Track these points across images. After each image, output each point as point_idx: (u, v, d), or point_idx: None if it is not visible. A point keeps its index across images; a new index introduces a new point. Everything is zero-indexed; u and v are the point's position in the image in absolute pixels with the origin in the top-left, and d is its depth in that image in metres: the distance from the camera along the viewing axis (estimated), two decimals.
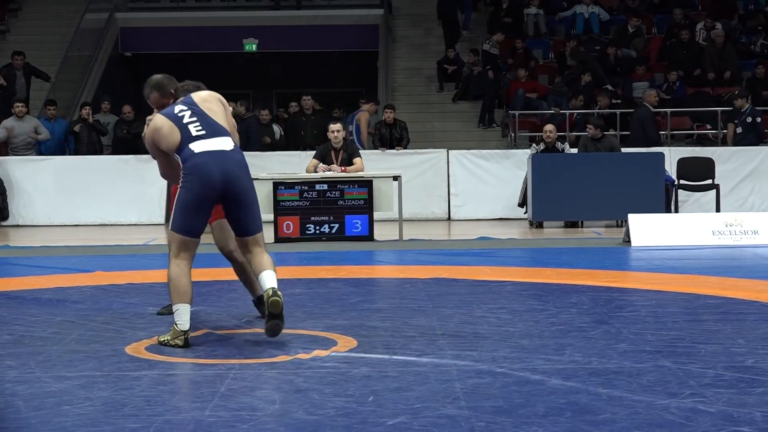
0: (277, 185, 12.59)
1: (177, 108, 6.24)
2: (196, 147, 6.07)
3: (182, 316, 6.02)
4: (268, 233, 12.59)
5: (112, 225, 15.80)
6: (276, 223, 12.61)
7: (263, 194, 12.52)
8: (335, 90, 20.68)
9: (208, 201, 6.09)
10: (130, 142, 17.35)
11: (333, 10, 24.05)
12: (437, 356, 5.66)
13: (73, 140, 17.67)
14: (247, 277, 6.99)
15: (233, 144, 6.23)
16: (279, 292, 6.00)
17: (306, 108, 18.17)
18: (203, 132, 6.14)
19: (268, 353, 5.80)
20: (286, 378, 5.17)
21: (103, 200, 15.89)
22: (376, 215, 12.86)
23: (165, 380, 5.20)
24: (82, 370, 5.45)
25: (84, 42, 22.30)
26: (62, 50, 21.61)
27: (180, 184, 6.07)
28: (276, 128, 17.85)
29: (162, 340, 6.09)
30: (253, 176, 12.79)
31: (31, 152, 17.06)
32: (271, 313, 5.97)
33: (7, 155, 17.00)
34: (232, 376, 5.23)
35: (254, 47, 24.04)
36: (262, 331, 6.12)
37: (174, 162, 6.21)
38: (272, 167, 15.16)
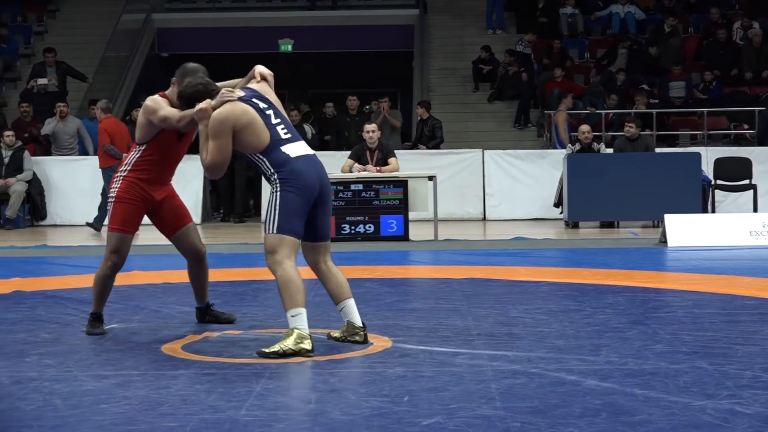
0: None
1: (259, 103, 6.06)
2: (290, 150, 5.96)
3: (303, 320, 5.76)
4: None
5: (149, 225, 15.83)
6: None
7: None
8: (371, 90, 20.69)
9: (309, 205, 5.97)
10: None
11: (368, 10, 24.06)
12: (472, 356, 5.65)
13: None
14: (202, 284, 6.93)
15: None
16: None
17: (351, 108, 18.13)
18: (289, 135, 6.04)
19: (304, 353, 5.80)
20: (321, 378, 5.18)
21: None
22: (412, 215, 12.86)
23: (201, 379, 5.22)
24: (119, 369, 5.48)
25: (121, 43, 22.42)
26: (99, 51, 21.74)
27: (279, 188, 5.90)
28: (307, 128, 17.87)
29: (280, 348, 5.71)
30: None
31: (74, 152, 17.17)
32: (357, 341, 6.08)
33: (46, 155, 17.12)
34: (268, 375, 5.24)
35: (290, 47, 24.09)
36: None
37: (228, 154, 6.00)
38: None
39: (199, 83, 6.25)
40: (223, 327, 6.73)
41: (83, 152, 17.32)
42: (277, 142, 5.96)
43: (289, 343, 5.69)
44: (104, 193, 15.13)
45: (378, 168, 12.92)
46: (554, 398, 4.68)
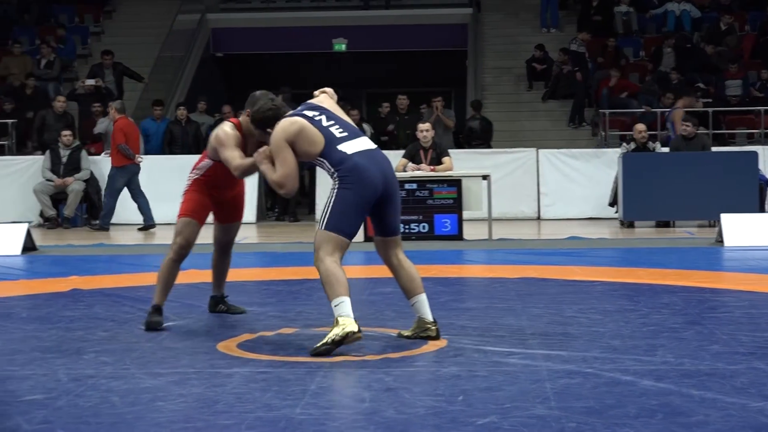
0: None
1: (308, 113, 6.15)
2: (347, 148, 6.02)
3: (346, 307, 5.79)
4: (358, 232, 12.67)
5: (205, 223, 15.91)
6: (366, 222, 12.62)
7: None
8: (424, 89, 20.68)
9: (370, 202, 6.03)
10: None
11: (422, 10, 24.04)
12: (527, 356, 5.64)
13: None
14: (223, 274, 7.26)
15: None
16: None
17: (401, 108, 18.14)
18: (346, 134, 6.10)
19: (358, 352, 5.82)
20: (375, 377, 5.19)
21: None
22: (466, 214, 12.83)
23: (256, 377, 5.25)
24: (175, 367, 5.53)
25: (176, 43, 22.58)
26: (155, 51, 21.90)
27: (337, 186, 5.96)
28: (366, 127, 17.89)
29: (328, 339, 5.74)
30: None
31: None
32: (430, 336, 6.15)
33: (101, 155, 17.27)
34: (323, 374, 5.26)
35: (344, 47, 24.14)
36: None
37: (292, 166, 6.09)
38: None
39: (270, 108, 6.35)
40: (279, 326, 6.76)
41: (148, 152, 17.44)
42: (332, 141, 6.02)
43: (337, 331, 5.74)
44: (109, 191, 15.33)
45: (432, 167, 12.92)
46: (610, 398, 4.66)
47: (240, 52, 24.74)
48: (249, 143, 6.66)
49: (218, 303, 7.33)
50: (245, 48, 24.49)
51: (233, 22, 24.27)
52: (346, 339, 5.72)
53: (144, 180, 16.17)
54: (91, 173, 16.26)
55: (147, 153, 17.38)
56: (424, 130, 13.14)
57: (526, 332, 6.39)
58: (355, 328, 5.74)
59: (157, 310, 6.82)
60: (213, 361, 5.67)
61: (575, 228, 14.45)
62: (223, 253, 7.26)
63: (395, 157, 13.82)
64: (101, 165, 16.60)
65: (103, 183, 16.43)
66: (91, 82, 19.02)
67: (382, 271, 9.66)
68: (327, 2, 24.79)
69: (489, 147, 17.72)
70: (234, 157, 6.56)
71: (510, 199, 16.23)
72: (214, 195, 6.91)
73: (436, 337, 6.15)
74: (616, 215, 15.05)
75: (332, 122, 6.12)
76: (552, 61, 21.19)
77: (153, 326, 6.71)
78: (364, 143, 6.11)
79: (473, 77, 21.71)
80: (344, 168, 5.95)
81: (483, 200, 12.82)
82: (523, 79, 21.66)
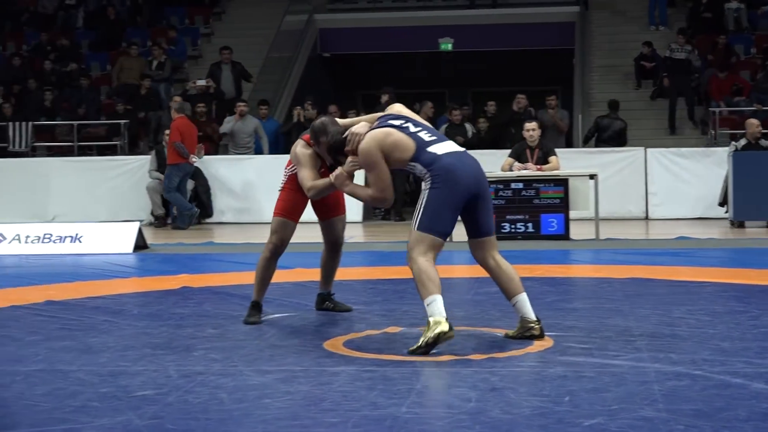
0: None
1: (394, 122, 6.20)
2: (437, 149, 6.06)
3: (438, 305, 5.80)
4: (463, 231, 12.65)
5: (313, 222, 16.04)
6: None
7: None
8: (530, 88, 20.56)
9: (462, 201, 6.05)
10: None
11: (529, 8, 23.93)
12: (634, 357, 5.58)
13: (283, 139, 18.07)
14: (332, 272, 7.36)
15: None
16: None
17: (519, 107, 18.00)
18: (434, 137, 6.16)
19: (464, 351, 5.82)
20: (481, 376, 5.19)
21: None
22: (572, 214, 12.74)
23: (362, 376, 5.28)
24: (282, 365, 5.58)
25: (284, 43, 22.78)
26: (263, 52, 22.13)
27: (430, 185, 6.00)
28: (468, 127, 17.85)
29: (422, 343, 5.76)
30: None
31: (250, 151, 17.51)
32: (534, 336, 6.17)
33: (215, 154, 17.50)
34: (428, 373, 5.28)
35: (450, 46, 24.12)
36: (459, 329, 6.15)
37: (388, 178, 6.14)
38: None
39: (338, 135, 6.40)
40: (384, 325, 6.78)
41: (258, 151, 17.64)
42: (422, 145, 6.08)
43: (429, 334, 5.76)
44: (167, 190, 15.51)
45: (538, 166, 12.85)
46: (719, 401, 4.60)
47: (346, 52, 24.87)
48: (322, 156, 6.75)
49: (324, 300, 7.40)
50: (352, 48, 24.61)
51: (340, 23, 24.41)
52: (438, 340, 5.74)
53: (254, 179, 16.36)
54: (201, 173, 16.47)
55: (256, 153, 17.57)
56: (531, 129, 13.08)
57: (634, 333, 6.33)
58: (446, 328, 5.74)
59: (256, 306, 6.99)
60: (319, 360, 5.71)
61: (684, 228, 14.25)
62: (332, 252, 7.33)
63: (503, 157, 13.79)
64: (209, 164, 16.80)
65: (212, 182, 16.65)
66: (201, 82, 19.27)
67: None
68: (433, 2, 24.78)
69: (618, 144, 17.68)
70: (307, 177, 6.67)
71: (617, 198, 16.06)
72: None
73: (541, 336, 6.15)
74: (726, 215, 14.82)
75: (419, 128, 6.19)
76: (661, 59, 20.91)
77: (251, 322, 6.86)
78: (451, 146, 6.16)
79: (580, 76, 21.53)
80: (436, 167, 5.99)
81: (590, 200, 12.71)
82: (631, 78, 21.42)
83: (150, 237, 13.26)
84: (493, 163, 14.46)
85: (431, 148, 6.06)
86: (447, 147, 6.11)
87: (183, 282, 9.07)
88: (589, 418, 4.35)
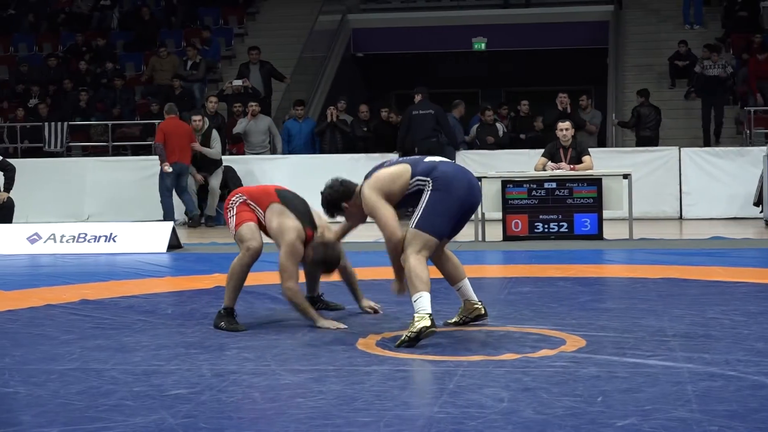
0: (506, 183, 12.58)
1: (378, 166, 6.53)
2: (433, 159, 6.44)
3: (424, 302, 6.01)
4: (496, 231, 12.68)
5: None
6: (504, 222, 12.61)
7: (492, 192, 12.54)
8: (563, 88, 20.50)
9: (459, 209, 6.31)
10: (368, 140, 17.61)
11: (562, 7, 23.88)
12: (668, 358, 5.56)
13: (318, 140, 18.11)
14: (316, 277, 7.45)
15: None
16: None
17: (561, 105, 17.87)
18: (424, 158, 6.52)
19: (496, 351, 5.82)
20: (514, 376, 5.18)
21: None
22: (606, 214, 12.69)
23: (395, 375, 5.29)
24: (315, 364, 5.59)
25: (317, 43, 22.82)
26: (297, 52, 22.18)
27: (431, 188, 6.25)
28: (499, 126, 17.82)
29: (405, 338, 5.98)
30: (481, 175, 12.89)
31: (266, 151, 17.55)
32: (480, 315, 6.67)
33: (243, 154, 17.56)
34: (461, 373, 5.27)
35: (483, 46, 24.10)
36: (492, 329, 6.15)
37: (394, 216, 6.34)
38: (500, 166, 15.16)
39: (340, 182, 6.66)
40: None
41: (272, 151, 17.67)
42: (415, 162, 6.44)
43: (412, 329, 6.00)
44: (160, 192, 15.71)
45: (572, 166, 12.81)
46: (753, 402, 4.57)
47: (380, 51, 24.88)
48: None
49: (315, 302, 7.40)
50: (385, 48, 24.63)
51: (373, 23, 24.44)
52: (420, 334, 5.96)
53: (288, 179, 16.36)
54: (234, 172, 16.51)
55: (290, 152, 17.60)
56: (564, 129, 13.04)
57: (667, 333, 6.30)
58: (428, 323, 5.96)
59: (231, 312, 7.01)
60: (352, 359, 5.72)
61: (718, 228, 14.17)
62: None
63: (536, 156, 13.75)
64: (242, 163, 16.86)
65: (246, 182, 16.68)
66: (238, 82, 19.32)
67: (520, 271, 9.66)
68: (467, 1, 24.78)
69: (657, 135, 17.53)
70: (289, 270, 7.01)
71: (651, 198, 15.98)
72: None
73: (485, 315, 6.61)
74: (761, 215, 14.72)
75: (405, 158, 6.63)
76: (695, 58, 20.78)
77: (234, 329, 6.87)
78: (446, 160, 6.56)
79: (614, 75, 21.45)
80: (435, 173, 6.29)
81: (624, 199, 12.66)
82: (665, 77, 21.33)
83: (183, 237, 13.32)
84: (526, 162, 14.46)
85: (426, 160, 6.42)
86: (442, 159, 6.51)
87: (216, 281, 9.09)
88: (622, 418, 4.34)
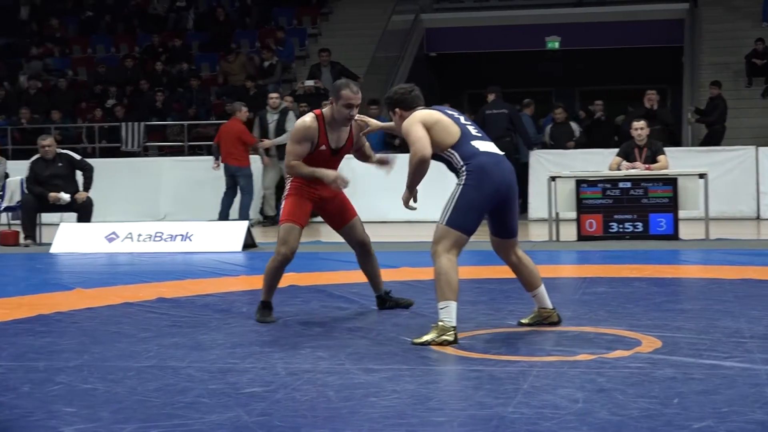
0: (580, 183, 12.51)
1: (448, 111, 6.49)
2: (479, 146, 6.30)
3: (450, 313, 6.05)
4: (570, 231, 12.60)
5: (418, 222, 16.08)
6: (579, 221, 12.54)
7: (566, 192, 12.48)
8: (638, 87, 20.33)
9: (490, 204, 6.25)
10: None
11: (636, 6, 23.66)
12: (745, 359, 5.49)
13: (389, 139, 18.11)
14: (374, 273, 7.42)
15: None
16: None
17: (649, 103, 17.69)
18: (479, 134, 6.41)
19: (571, 351, 5.79)
20: (588, 377, 5.15)
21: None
22: (681, 214, 12.57)
23: (469, 375, 5.28)
24: (388, 363, 5.60)
25: (390, 43, 22.85)
26: (370, 52, 22.22)
27: (463, 182, 6.20)
28: (574, 125, 17.71)
29: (426, 339, 6.03)
30: (555, 174, 12.82)
31: None
32: (553, 322, 6.63)
33: None
34: (535, 373, 5.25)
35: (557, 45, 23.97)
36: (566, 329, 6.12)
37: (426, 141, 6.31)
38: (574, 165, 15.09)
39: (411, 91, 6.76)
40: (491, 324, 6.77)
41: None
42: (467, 136, 6.32)
43: (433, 336, 6.02)
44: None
45: (647, 165, 12.70)
46: None
47: (453, 51, 24.85)
48: (332, 133, 7.08)
49: (384, 301, 7.45)
50: (458, 47, 24.59)
51: (446, 22, 24.41)
52: (442, 346, 5.96)
53: (362, 177, 16.35)
54: None
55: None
56: (639, 128, 12.94)
57: (745, 335, 6.22)
58: (452, 338, 5.99)
59: (267, 306, 7.16)
60: (426, 359, 5.72)
61: None
62: (364, 254, 7.44)
63: (610, 156, 13.65)
64: None
65: None
66: (310, 83, 19.42)
67: (595, 271, 9.60)
68: (540, 0, 24.65)
69: (723, 127, 17.33)
70: (291, 152, 7.00)
71: (728, 198, 15.80)
72: (314, 196, 7.16)
73: (558, 322, 6.60)
74: None
75: (469, 123, 6.46)
76: None
77: (266, 321, 7.04)
78: (492, 147, 6.38)
79: (689, 74, 21.23)
80: (472, 164, 6.20)
81: (700, 199, 12.53)
82: (742, 75, 21.07)
83: (258, 236, 13.41)
84: (601, 162, 14.36)
85: (474, 143, 6.29)
86: (488, 147, 6.34)
87: (290, 280, 9.14)
88: (698, 420, 4.30)
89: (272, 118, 16.25)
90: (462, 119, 6.45)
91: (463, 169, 6.21)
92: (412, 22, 24.03)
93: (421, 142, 6.23)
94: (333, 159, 7.21)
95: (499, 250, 6.58)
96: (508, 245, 6.52)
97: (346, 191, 7.36)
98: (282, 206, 7.20)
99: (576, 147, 17.04)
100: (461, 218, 6.16)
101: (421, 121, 6.31)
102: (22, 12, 25.77)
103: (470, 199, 6.16)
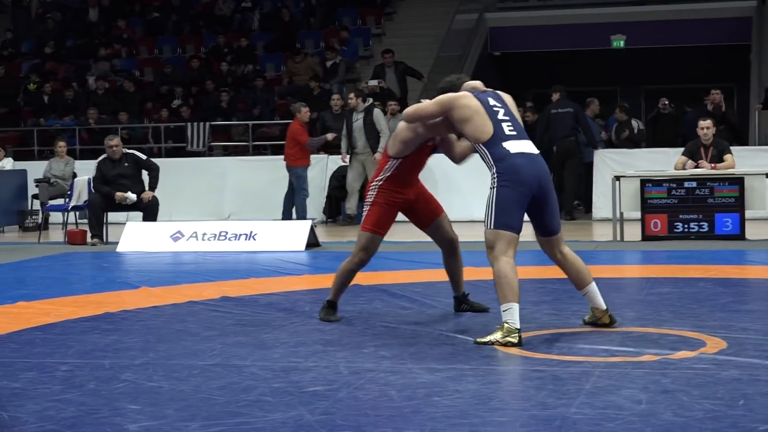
0: (645, 183, 12.42)
1: (491, 101, 6.47)
2: (511, 147, 6.30)
3: (514, 314, 6.06)
4: (635, 231, 12.51)
5: (479, 221, 16.00)
6: (643, 221, 12.45)
7: (630, 192, 12.40)
8: (705, 85, 20.14)
9: (526, 199, 6.26)
10: None
11: (702, 3, 23.42)
12: None
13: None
14: (457, 273, 7.35)
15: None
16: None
17: (714, 102, 17.50)
18: (514, 132, 6.39)
19: (634, 352, 5.76)
20: (652, 378, 5.12)
21: (470, 196, 15.99)
22: (748, 213, 12.44)
23: (531, 375, 5.27)
24: (451, 363, 5.61)
25: (454, 42, 22.82)
26: (434, 51, 22.20)
27: (496, 184, 6.25)
28: (635, 123, 17.59)
29: (490, 339, 6.06)
30: (620, 174, 12.72)
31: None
32: (604, 324, 6.56)
33: None
34: (598, 373, 5.23)
35: (622, 43, 23.80)
36: (630, 329, 6.09)
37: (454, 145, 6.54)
38: (639, 164, 14.96)
39: (450, 80, 6.85)
40: (553, 324, 6.75)
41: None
42: (499, 136, 6.33)
43: (497, 336, 6.05)
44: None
45: (713, 165, 12.58)
46: None
47: (517, 50, 24.77)
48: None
49: (461, 302, 7.41)
50: (522, 46, 24.51)
51: (510, 21, 24.33)
52: (506, 347, 5.97)
53: (435, 178, 16.37)
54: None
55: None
56: (705, 127, 12.81)
57: None
58: (516, 340, 5.99)
59: (333, 305, 7.24)
60: (488, 359, 5.72)
61: None
62: (450, 253, 7.35)
63: (675, 155, 13.53)
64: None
65: None
66: (374, 83, 19.44)
67: (660, 271, 9.53)
68: None
69: None
70: (423, 115, 6.82)
71: None
72: (401, 200, 7.09)
73: (610, 324, 6.49)
74: None
75: (507, 119, 6.42)
76: None
77: (329, 320, 7.11)
78: (527, 146, 6.37)
79: (757, 72, 20.98)
80: (502, 166, 6.24)
81: (767, 199, 12.39)
82: None
83: (322, 235, 13.46)
84: (666, 161, 14.23)
85: (507, 144, 6.30)
86: (521, 146, 6.34)
87: (353, 280, 9.17)
88: (764, 422, 4.26)
89: (357, 117, 16.22)
90: (501, 114, 6.41)
91: (494, 171, 6.28)
92: (476, 21, 23.98)
93: (419, 113, 6.68)
94: (424, 158, 7.25)
95: (545, 248, 6.59)
96: (552, 243, 6.52)
97: (430, 189, 7.36)
98: (366, 212, 7.15)
99: (638, 142, 16.94)
100: (505, 217, 6.20)
101: (449, 107, 6.46)
102: (90, 14, 26.06)
103: (507, 197, 6.20)
